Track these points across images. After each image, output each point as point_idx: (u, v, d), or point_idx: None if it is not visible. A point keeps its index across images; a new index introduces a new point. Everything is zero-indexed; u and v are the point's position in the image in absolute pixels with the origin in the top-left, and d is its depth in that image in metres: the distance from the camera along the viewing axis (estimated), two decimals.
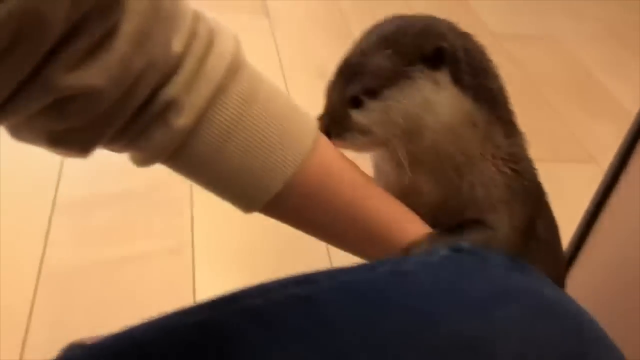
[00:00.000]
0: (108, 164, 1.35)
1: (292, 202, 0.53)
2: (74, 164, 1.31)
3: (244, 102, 0.50)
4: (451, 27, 0.57)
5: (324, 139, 0.55)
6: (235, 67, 0.50)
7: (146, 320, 0.46)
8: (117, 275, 1.12)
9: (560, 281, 0.69)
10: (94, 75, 0.42)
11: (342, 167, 0.55)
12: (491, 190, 0.57)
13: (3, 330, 1.00)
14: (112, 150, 0.51)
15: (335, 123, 0.56)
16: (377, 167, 0.62)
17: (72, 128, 0.46)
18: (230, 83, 0.49)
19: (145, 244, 1.19)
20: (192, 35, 0.48)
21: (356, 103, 0.55)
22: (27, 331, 1.00)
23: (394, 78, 0.53)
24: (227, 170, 0.51)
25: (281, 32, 1.94)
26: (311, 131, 0.53)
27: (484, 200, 0.57)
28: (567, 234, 0.97)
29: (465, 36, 0.57)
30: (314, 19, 2.09)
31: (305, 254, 1.16)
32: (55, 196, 1.24)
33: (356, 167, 0.56)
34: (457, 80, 0.54)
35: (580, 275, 0.96)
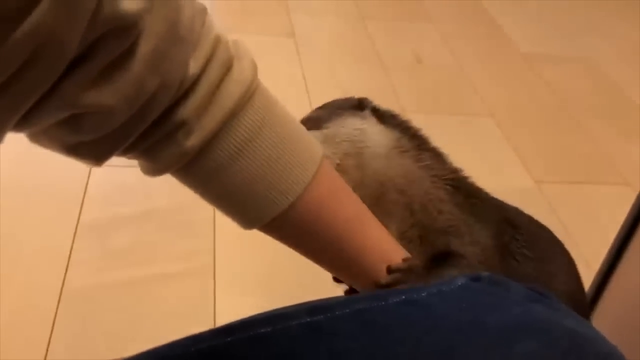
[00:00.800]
0: (131, 186, 1.37)
1: (288, 226, 0.55)
2: (98, 186, 1.32)
3: (254, 128, 0.51)
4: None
5: (327, 166, 0.56)
6: (250, 94, 0.51)
7: (158, 346, 0.45)
8: (138, 297, 1.12)
9: (572, 297, 0.68)
10: (109, 95, 0.43)
11: (340, 197, 0.57)
12: (442, 207, 0.63)
13: (24, 350, 1.00)
14: (125, 158, 0.53)
15: None
16: None
17: (86, 140, 0.47)
18: (242, 109, 0.50)
19: (167, 266, 1.19)
20: (210, 58, 0.48)
21: None
22: (47, 351, 1.00)
23: (329, 118, 0.66)
24: (231, 189, 0.52)
25: (307, 53, 1.95)
26: (315, 159, 0.54)
27: (442, 221, 0.63)
28: (599, 256, 0.96)
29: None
30: (340, 40, 2.09)
31: (327, 278, 1.14)
32: (79, 217, 1.25)
33: (355, 197, 0.58)
34: (381, 121, 0.66)
35: (613, 298, 0.94)
